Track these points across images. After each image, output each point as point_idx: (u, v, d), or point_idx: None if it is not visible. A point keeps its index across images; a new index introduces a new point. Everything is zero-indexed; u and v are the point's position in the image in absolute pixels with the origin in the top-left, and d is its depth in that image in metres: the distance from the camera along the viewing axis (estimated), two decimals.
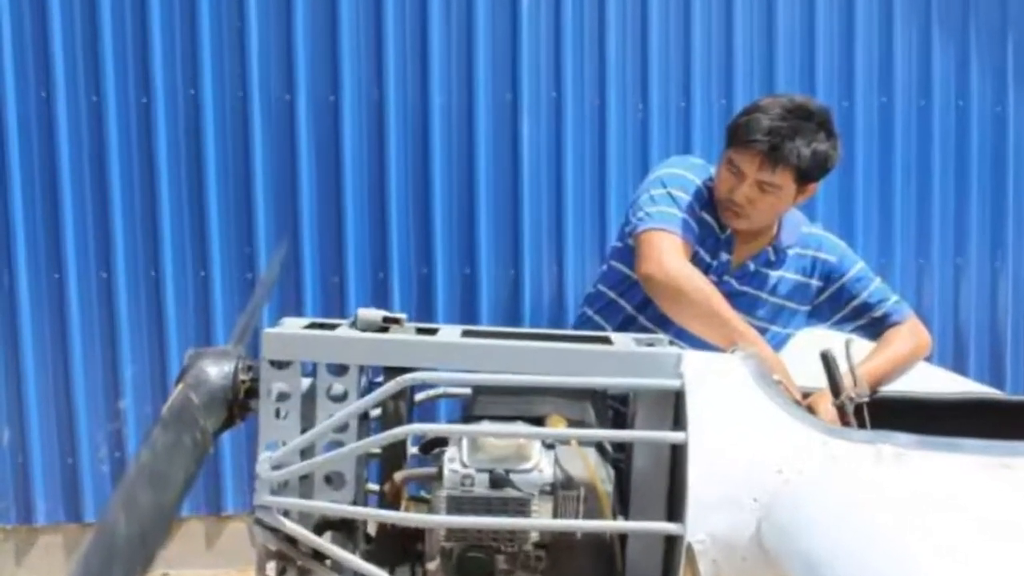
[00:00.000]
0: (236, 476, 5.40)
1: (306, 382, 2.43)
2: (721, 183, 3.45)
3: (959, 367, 5.76)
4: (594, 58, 5.51)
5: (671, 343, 2.71)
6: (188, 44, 5.18)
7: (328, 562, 2.42)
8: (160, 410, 2.47)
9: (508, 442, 2.35)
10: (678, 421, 2.38)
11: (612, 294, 3.62)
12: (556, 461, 2.37)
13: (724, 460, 2.32)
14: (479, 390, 2.50)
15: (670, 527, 2.35)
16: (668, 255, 3.28)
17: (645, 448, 2.44)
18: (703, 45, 5.60)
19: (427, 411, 2.90)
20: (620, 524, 2.40)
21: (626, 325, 3.52)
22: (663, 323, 3.37)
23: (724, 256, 3.50)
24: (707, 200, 3.50)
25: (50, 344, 5.24)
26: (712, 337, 3.15)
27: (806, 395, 3.11)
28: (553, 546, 2.40)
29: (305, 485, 2.41)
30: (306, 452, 2.39)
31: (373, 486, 2.62)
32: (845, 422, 2.88)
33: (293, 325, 2.56)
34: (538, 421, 2.43)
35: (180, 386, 2.46)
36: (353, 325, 2.53)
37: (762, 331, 3.40)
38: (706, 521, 2.28)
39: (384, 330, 2.52)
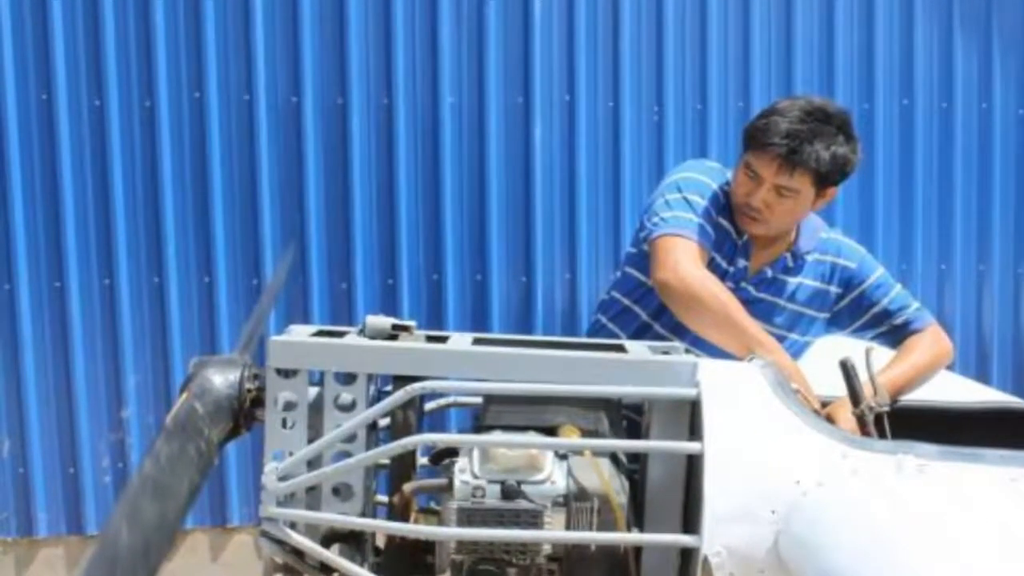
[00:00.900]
0: (242, 487, 5.39)
1: (313, 391, 2.43)
2: (738, 187, 3.45)
3: (982, 376, 5.75)
4: (608, 60, 5.49)
5: (687, 351, 2.71)
6: (193, 46, 5.17)
7: (336, 575, 2.43)
8: (164, 420, 2.48)
9: (520, 453, 2.35)
10: (694, 431, 2.38)
11: (626, 301, 3.62)
12: (569, 472, 2.37)
13: (741, 471, 2.32)
14: (490, 399, 2.50)
15: (686, 539, 2.35)
16: (684, 261, 3.28)
17: (660, 459, 2.44)
18: (719, 46, 5.59)
19: (437, 421, 2.90)
20: (634, 536, 2.40)
21: (641, 333, 3.52)
22: (679, 331, 3.37)
23: (741, 262, 3.50)
24: (724, 205, 3.50)
25: (51, 352, 5.22)
26: (729, 345, 3.14)
27: (825, 404, 3.11)
28: (566, 559, 2.40)
29: (312, 496, 2.41)
30: (313, 463, 2.39)
31: (382, 498, 2.62)
32: (865, 432, 2.87)
33: (300, 333, 2.56)
34: (551, 431, 2.43)
35: (184, 395, 2.46)
36: (361, 333, 2.54)
37: (780, 339, 3.40)
38: (723, 533, 2.28)
39: (393, 338, 2.53)
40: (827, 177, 3.37)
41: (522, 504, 2.33)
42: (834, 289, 3.60)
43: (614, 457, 2.46)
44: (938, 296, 5.89)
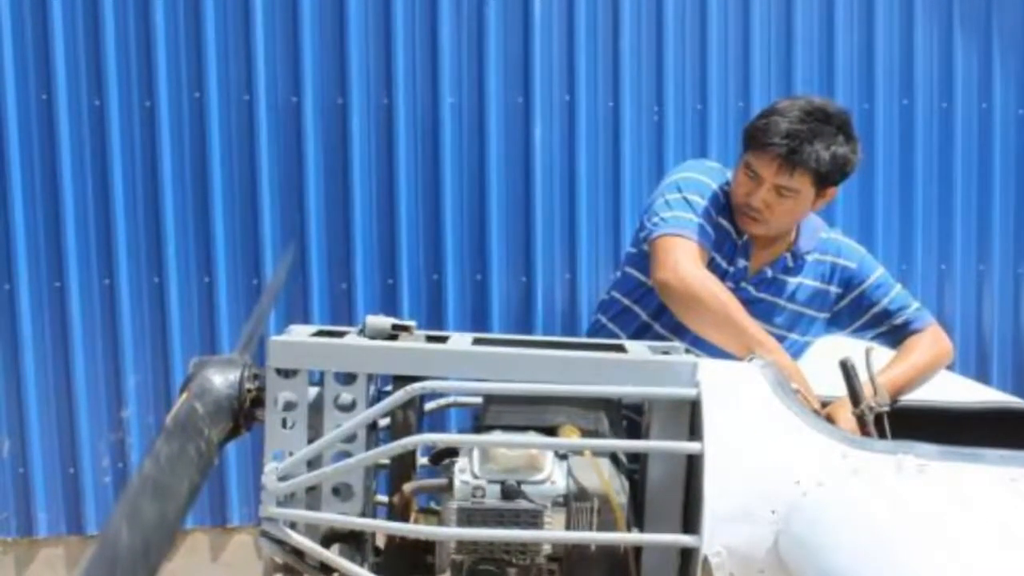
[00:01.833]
0: (242, 487, 5.40)
1: (313, 391, 2.44)
2: (738, 187, 3.45)
3: (982, 376, 5.76)
4: (608, 60, 5.50)
5: (687, 351, 2.71)
6: (193, 46, 5.18)
7: (336, 575, 2.43)
8: (164, 420, 2.48)
9: (520, 453, 2.36)
10: (694, 431, 2.39)
11: (626, 301, 3.62)
12: (569, 472, 2.38)
13: (741, 471, 2.32)
14: (490, 399, 2.51)
15: (686, 539, 2.35)
16: (684, 261, 3.28)
17: (660, 459, 2.44)
18: (720, 46, 5.60)
19: (437, 421, 2.90)
20: (634, 536, 2.40)
21: (641, 333, 3.52)
22: (679, 331, 3.38)
23: (741, 262, 3.51)
24: (724, 205, 3.51)
25: (51, 352, 5.23)
26: (729, 345, 3.15)
27: (825, 404, 3.12)
28: (566, 559, 2.41)
29: (312, 496, 2.42)
30: (313, 463, 2.40)
31: (382, 498, 2.62)
32: (865, 432, 2.87)
33: (300, 333, 2.57)
34: (551, 431, 2.43)
35: (184, 395, 2.47)
36: (361, 333, 2.54)
37: (780, 339, 3.41)
38: (722, 533, 2.29)
39: (393, 338, 2.53)
40: (827, 177, 3.38)
41: (522, 504, 2.34)
42: (834, 289, 3.61)
43: (614, 457, 2.47)
44: (938, 296, 5.90)
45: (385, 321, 2.54)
